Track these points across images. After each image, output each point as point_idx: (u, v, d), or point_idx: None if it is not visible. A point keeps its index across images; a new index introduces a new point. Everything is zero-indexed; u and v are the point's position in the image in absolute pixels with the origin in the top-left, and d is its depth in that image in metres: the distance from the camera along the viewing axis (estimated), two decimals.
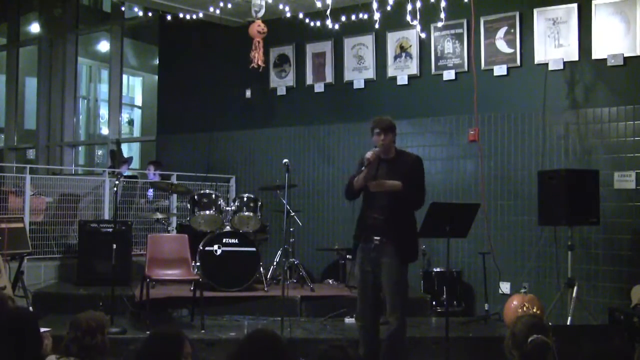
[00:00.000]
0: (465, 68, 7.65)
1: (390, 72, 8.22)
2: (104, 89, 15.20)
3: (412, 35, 7.96)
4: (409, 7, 6.68)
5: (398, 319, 4.93)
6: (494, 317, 6.86)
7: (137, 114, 16.93)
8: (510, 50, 7.36)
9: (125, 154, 13.46)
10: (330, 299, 7.09)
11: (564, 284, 6.36)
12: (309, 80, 8.88)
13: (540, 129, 7.17)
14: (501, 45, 7.42)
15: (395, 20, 7.49)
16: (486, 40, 7.50)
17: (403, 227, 5.01)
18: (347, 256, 7.49)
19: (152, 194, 9.09)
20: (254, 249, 7.25)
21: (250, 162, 9.36)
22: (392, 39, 8.20)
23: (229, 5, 7.91)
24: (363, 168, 4.94)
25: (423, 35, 7.57)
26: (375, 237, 4.97)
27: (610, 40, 6.77)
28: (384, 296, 5.01)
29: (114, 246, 6.21)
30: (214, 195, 7.45)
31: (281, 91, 9.11)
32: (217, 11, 8.08)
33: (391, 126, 5.07)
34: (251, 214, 7.43)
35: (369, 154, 4.95)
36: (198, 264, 7.02)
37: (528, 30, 7.26)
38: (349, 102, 8.54)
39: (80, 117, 13.90)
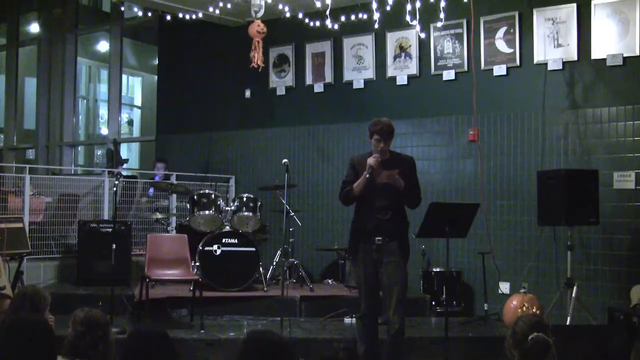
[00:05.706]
0: (465, 68, 7.64)
1: (390, 72, 8.21)
2: (103, 88, 15.18)
3: (412, 35, 7.96)
4: (409, 7, 6.68)
5: (402, 317, 4.96)
6: (494, 317, 6.86)
7: (136, 114, 16.90)
8: (509, 50, 7.36)
9: (125, 154, 13.48)
10: (329, 299, 7.10)
11: (563, 284, 6.36)
12: (309, 80, 8.87)
13: (539, 129, 7.16)
14: (501, 45, 7.42)
15: (394, 20, 7.50)
16: (486, 40, 7.50)
17: (404, 226, 5.13)
18: (347, 256, 7.50)
19: (152, 192, 9.12)
20: (253, 249, 7.26)
21: (249, 162, 9.35)
22: (392, 39, 8.20)
23: (229, 5, 7.91)
24: (367, 175, 4.93)
25: (423, 35, 7.56)
26: (378, 238, 4.97)
27: (610, 40, 6.77)
28: (384, 295, 5.03)
29: (114, 246, 6.21)
30: (213, 195, 7.45)
31: (280, 91, 9.10)
32: (217, 11, 8.08)
33: (393, 132, 5.08)
34: (251, 214, 7.43)
35: (372, 161, 4.94)
36: (197, 264, 7.03)
37: (527, 30, 7.25)
38: (348, 102, 8.54)
39: (80, 117, 13.88)
